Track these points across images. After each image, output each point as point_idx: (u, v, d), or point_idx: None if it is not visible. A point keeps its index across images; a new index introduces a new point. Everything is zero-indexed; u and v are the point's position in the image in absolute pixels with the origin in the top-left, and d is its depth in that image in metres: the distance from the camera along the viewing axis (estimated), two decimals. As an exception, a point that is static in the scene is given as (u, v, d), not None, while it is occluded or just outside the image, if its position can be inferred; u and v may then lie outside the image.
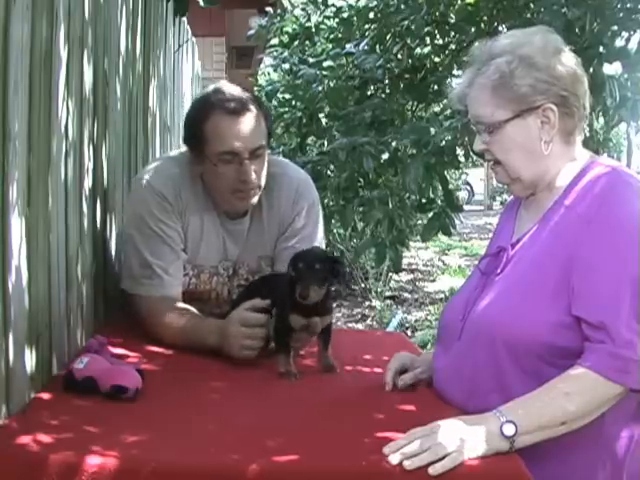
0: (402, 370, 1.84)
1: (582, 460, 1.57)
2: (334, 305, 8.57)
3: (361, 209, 3.62)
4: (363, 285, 9.02)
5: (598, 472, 1.58)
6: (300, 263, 1.88)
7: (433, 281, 10.08)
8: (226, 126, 2.10)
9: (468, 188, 21.59)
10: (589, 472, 1.58)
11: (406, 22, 3.68)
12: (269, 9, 5.03)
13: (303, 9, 4.82)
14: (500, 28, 3.44)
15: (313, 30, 4.56)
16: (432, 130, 3.24)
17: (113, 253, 2.45)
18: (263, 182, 2.18)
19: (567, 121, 1.65)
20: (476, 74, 1.68)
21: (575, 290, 1.55)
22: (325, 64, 4.00)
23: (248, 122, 2.11)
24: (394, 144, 3.50)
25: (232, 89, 2.20)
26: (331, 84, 3.93)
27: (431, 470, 1.36)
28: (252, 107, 2.14)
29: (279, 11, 4.88)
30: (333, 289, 1.98)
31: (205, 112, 2.13)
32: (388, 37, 3.89)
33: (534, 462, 1.45)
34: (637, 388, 1.52)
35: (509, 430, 1.44)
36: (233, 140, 2.10)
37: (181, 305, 2.16)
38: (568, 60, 1.65)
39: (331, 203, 3.73)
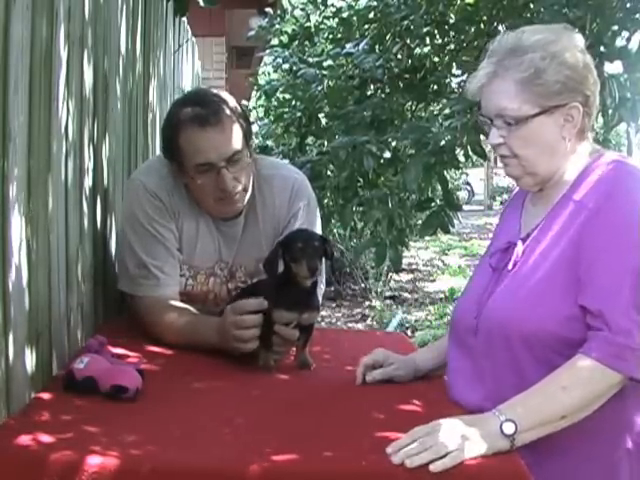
0: (376, 366, 1.86)
1: (580, 458, 1.57)
2: (334, 305, 8.61)
3: (361, 209, 3.62)
4: (363, 285, 9.02)
5: (596, 470, 1.58)
6: (299, 242, 1.89)
7: (433, 281, 10.09)
8: (197, 138, 2.07)
9: (468, 188, 21.59)
10: (587, 470, 1.58)
11: (405, 22, 3.68)
12: (269, 9, 5.04)
13: (303, 9, 4.83)
14: (500, 28, 3.44)
15: (313, 30, 4.56)
16: (432, 130, 3.24)
17: (113, 253, 2.45)
18: (248, 184, 2.16)
19: (586, 120, 1.66)
20: (499, 66, 1.65)
21: (580, 281, 1.56)
22: (325, 64, 4.00)
23: (220, 130, 2.07)
24: (394, 144, 3.50)
25: (202, 96, 2.17)
26: (331, 84, 3.93)
27: (432, 467, 1.36)
28: (223, 112, 2.09)
29: (279, 12, 4.89)
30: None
31: (176, 127, 2.10)
32: (387, 37, 3.89)
33: (532, 460, 1.45)
34: (633, 376, 1.51)
35: (509, 429, 1.44)
36: (206, 152, 2.07)
37: (180, 304, 2.15)
38: (589, 61, 1.67)
39: (330, 203, 3.73)
